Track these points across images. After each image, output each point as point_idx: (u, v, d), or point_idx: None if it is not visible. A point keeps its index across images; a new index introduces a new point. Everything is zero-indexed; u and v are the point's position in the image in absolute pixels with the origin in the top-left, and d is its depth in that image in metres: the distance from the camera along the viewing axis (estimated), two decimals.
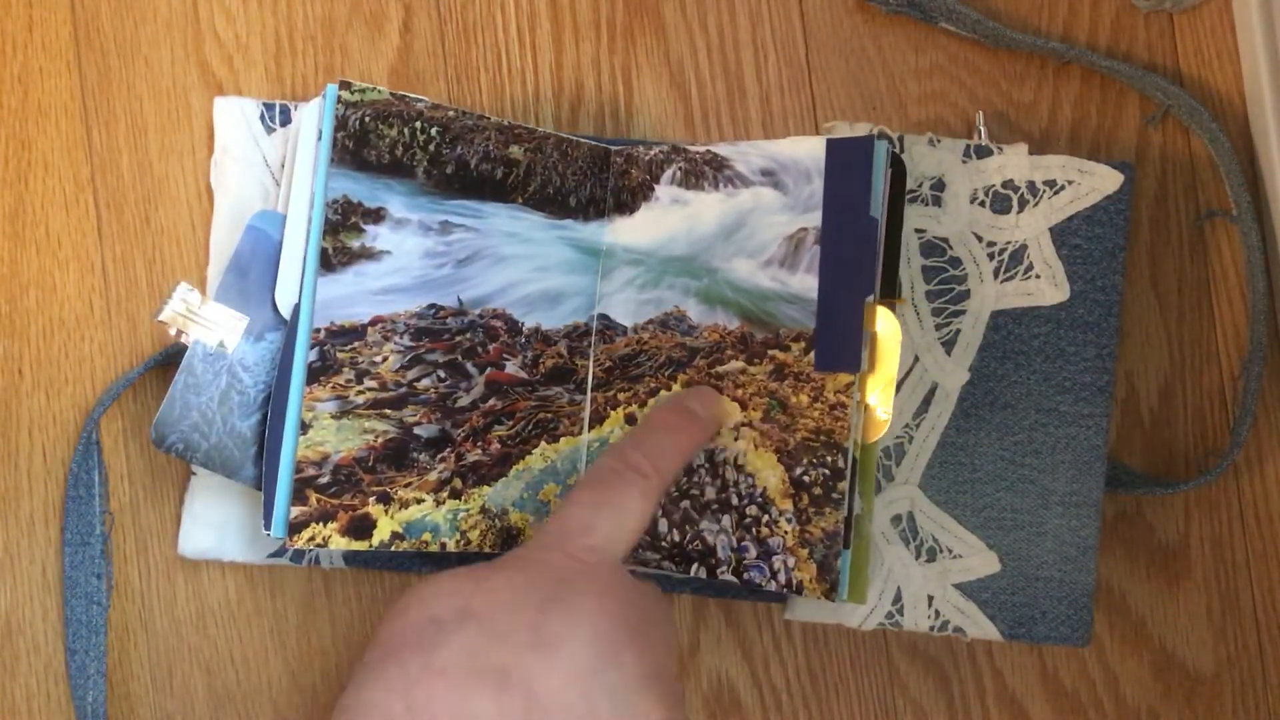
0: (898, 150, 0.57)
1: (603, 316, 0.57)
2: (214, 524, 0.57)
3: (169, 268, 0.60)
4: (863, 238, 0.52)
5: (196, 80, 0.60)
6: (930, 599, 0.57)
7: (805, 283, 0.53)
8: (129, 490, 0.59)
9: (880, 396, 0.53)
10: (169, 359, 0.58)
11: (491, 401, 0.56)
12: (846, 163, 0.53)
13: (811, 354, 0.53)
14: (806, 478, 0.52)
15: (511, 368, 0.56)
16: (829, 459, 0.52)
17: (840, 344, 0.52)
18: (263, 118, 0.58)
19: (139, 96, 0.60)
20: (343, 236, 0.54)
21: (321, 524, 0.53)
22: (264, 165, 0.58)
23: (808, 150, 0.54)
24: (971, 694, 0.60)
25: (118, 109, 0.60)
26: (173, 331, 0.54)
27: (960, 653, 0.60)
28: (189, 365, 0.54)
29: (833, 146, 0.53)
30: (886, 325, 0.52)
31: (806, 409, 0.52)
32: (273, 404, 0.54)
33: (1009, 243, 0.57)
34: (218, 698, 0.59)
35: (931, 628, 0.57)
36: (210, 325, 0.55)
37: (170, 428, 0.54)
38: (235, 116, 0.58)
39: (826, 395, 0.52)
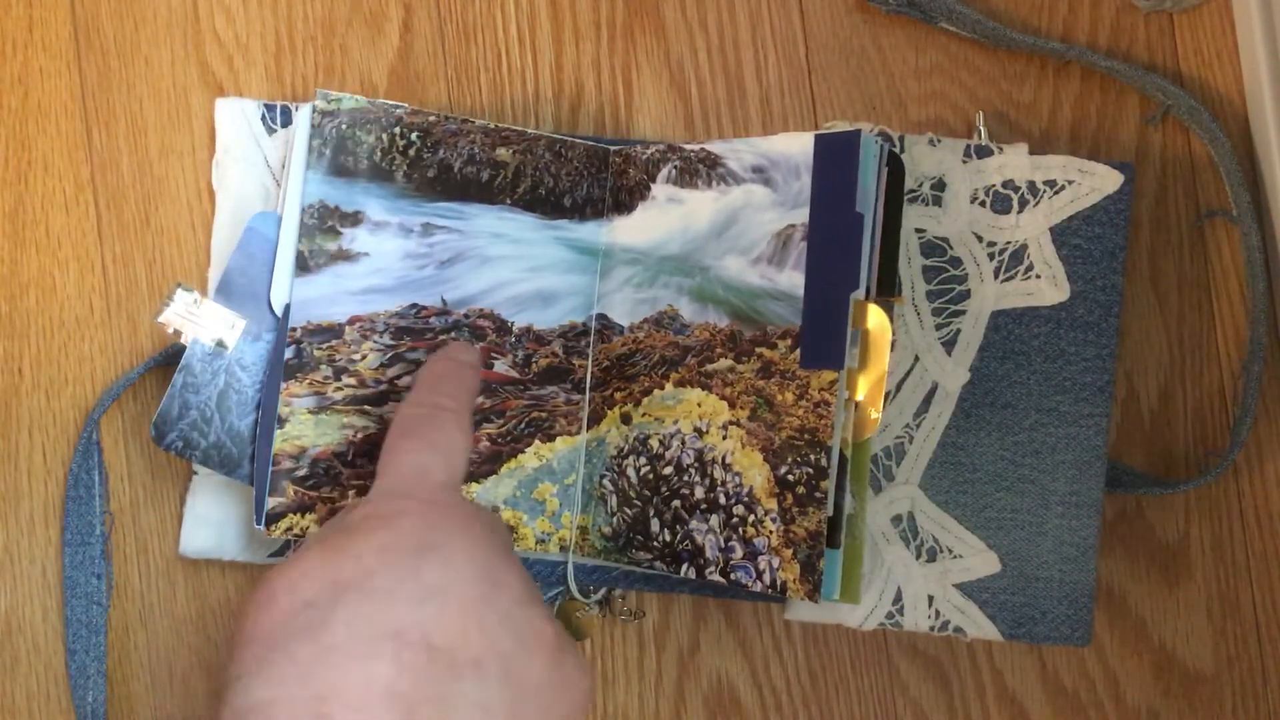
0: (897, 150, 0.57)
1: (601, 316, 0.57)
2: (214, 524, 0.57)
3: (169, 268, 0.60)
4: (848, 233, 0.52)
5: (196, 80, 0.60)
6: (930, 599, 0.57)
7: (793, 280, 0.53)
8: (129, 490, 0.59)
9: (871, 394, 0.52)
10: (169, 359, 0.58)
11: (480, 400, 0.56)
12: (833, 158, 0.53)
13: (798, 351, 0.53)
14: (791, 477, 0.52)
15: (501, 367, 0.56)
16: (813, 458, 0.52)
17: (826, 340, 0.52)
18: (264, 118, 0.58)
19: (139, 96, 0.60)
20: (318, 240, 0.55)
21: (299, 515, 0.54)
22: (265, 166, 0.58)
23: (798, 146, 0.54)
24: (971, 694, 0.60)
25: (118, 109, 0.60)
26: (171, 331, 0.54)
27: (960, 653, 0.60)
28: (188, 365, 0.55)
29: (820, 142, 0.53)
30: (877, 322, 0.52)
31: (791, 407, 0.52)
32: (263, 401, 0.55)
33: (1009, 243, 0.57)
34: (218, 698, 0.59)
35: (932, 628, 0.57)
36: (209, 325, 0.55)
37: (170, 426, 0.55)
38: (236, 117, 0.58)
39: (811, 393, 0.52)
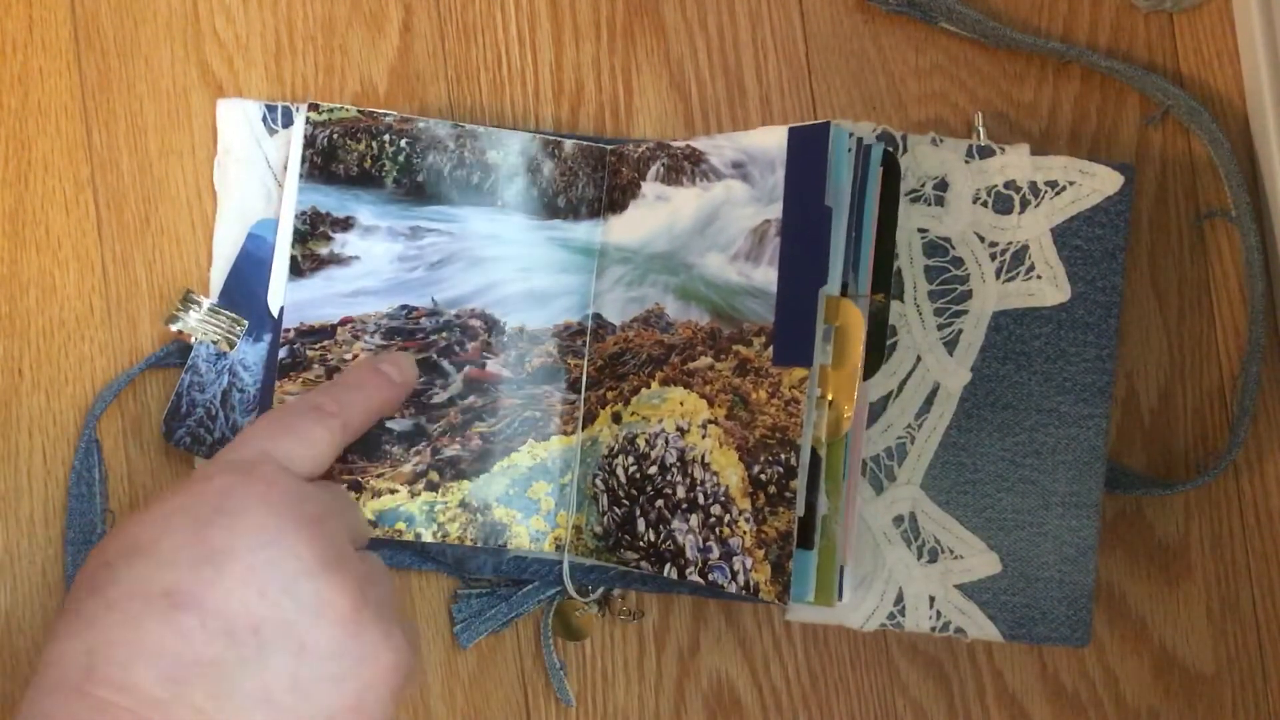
0: (897, 149, 0.57)
1: (596, 315, 0.57)
2: None
3: (169, 268, 0.60)
4: (816, 227, 0.52)
5: (196, 80, 0.60)
6: (932, 600, 0.57)
7: (767, 275, 0.53)
8: (129, 490, 0.59)
9: (843, 392, 0.52)
10: (169, 358, 0.58)
11: (471, 398, 0.56)
12: (804, 151, 0.52)
13: (771, 349, 0.53)
14: (763, 476, 0.52)
15: (493, 366, 0.57)
16: (784, 457, 0.51)
17: (796, 337, 0.52)
18: (265, 119, 0.58)
19: (139, 96, 0.60)
20: (310, 244, 0.56)
21: None
22: (266, 167, 0.58)
23: (775, 140, 0.53)
24: (971, 694, 0.60)
25: (118, 109, 0.60)
26: (174, 330, 0.55)
27: (960, 653, 0.60)
28: (194, 365, 0.56)
29: (794, 135, 0.53)
30: (851, 318, 0.52)
31: (765, 405, 0.52)
32: (259, 400, 0.56)
33: (1011, 243, 0.57)
34: None
35: (933, 628, 0.57)
36: (213, 327, 0.56)
37: (178, 423, 0.56)
38: (238, 118, 0.58)
39: (783, 391, 0.52)
